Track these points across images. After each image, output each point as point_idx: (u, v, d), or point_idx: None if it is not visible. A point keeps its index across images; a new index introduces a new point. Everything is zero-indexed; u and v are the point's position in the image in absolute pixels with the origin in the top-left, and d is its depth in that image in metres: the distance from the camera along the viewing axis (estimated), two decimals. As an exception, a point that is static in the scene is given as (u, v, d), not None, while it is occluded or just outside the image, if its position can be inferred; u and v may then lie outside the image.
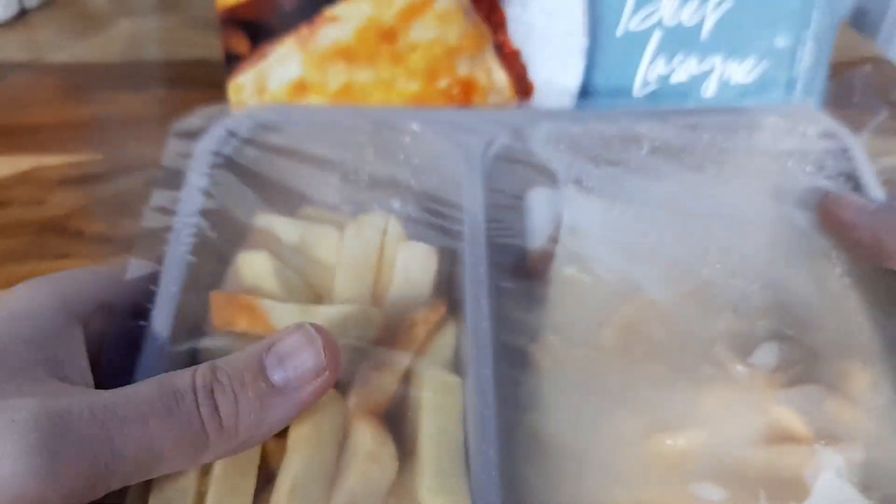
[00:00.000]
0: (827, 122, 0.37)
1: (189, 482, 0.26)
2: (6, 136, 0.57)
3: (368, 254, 0.33)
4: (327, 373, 0.25)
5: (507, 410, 0.29)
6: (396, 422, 0.29)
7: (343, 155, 0.38)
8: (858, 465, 0.27)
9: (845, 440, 0.27)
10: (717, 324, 0.32)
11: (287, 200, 0.37)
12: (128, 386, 0.23)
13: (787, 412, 0.28)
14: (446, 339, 0.31)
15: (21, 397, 0.21)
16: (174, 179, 0.35)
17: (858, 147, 0.35)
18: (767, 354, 0.30)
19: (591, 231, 0.35)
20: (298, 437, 0.27)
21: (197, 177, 0.35)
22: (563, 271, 0.35)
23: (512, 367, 0.32)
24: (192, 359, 0.30)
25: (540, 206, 0.38)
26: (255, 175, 0.36)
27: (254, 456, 0.27)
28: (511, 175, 0.38)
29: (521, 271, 0.37)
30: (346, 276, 0.33)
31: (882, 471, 0.27)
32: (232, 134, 0.36)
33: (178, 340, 0.29)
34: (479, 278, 0.32)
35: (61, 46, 0.57)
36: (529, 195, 0.39)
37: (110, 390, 0.23)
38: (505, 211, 0.37)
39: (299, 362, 0.24)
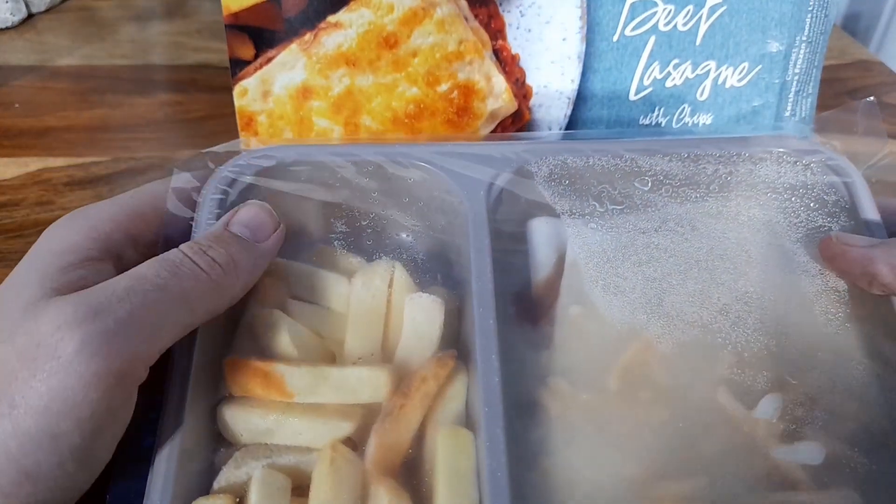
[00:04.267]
0: (829, 154, 0.37)
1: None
2: (15, 139, 0.58)
3: (377, 306, 0.34)
4: (282, 226, 0.33)
5: (518, 464, 0.30)
6: (412, 476, 0.30)
7: (347, 196, 0.38)
8: None
9: (842, 487, 0.29)
10: (719, 368, 0.33)
11: (295, 244, 0.37)
12: (129, 271, 0.28)
13: (787, 463, 0.29)
14: (457, 392, 0.32)
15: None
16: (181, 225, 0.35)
17: (861, 182, 0.36)
18: (770, 405, 0.31)
19: (592, 267, 0.35)
20: (321, 495, 0.28)
21: (203, 226, 0.35)
22: (568, 311, 0.36)
23: (521, 416, 0.33)
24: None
25: (542, 235, 0.39)
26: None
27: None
28: (515, 207, 0.38)
29: (526, 304, 0.37)
30: (357, 331, 0.33)
31: None
32: (233, 180, 0.36)
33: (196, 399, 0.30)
34: (487, 331, 0.32)
35: (69, 50, 0.57)
36: (532, 225, 0.39)
37: (120, 275, 0.27)
38: (508, 241, 0.38)
39: (258, 221, 0.32)
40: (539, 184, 0.37)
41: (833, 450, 0.30)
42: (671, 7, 0.44)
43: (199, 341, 0.31)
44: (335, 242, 0.38)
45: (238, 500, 0.29)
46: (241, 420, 0.31)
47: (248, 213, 0.33)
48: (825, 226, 0.36)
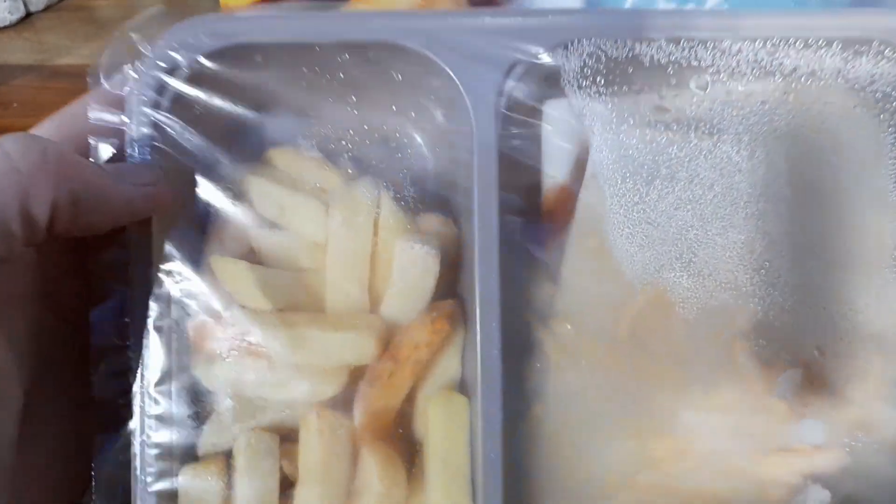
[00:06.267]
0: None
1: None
2: (13, 140, 0.53)
3: (361, 248, 0.29)
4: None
5: (511, 419, 0.29)
6: (404, 437, 0.30)
7: (317, 90, 0.30)
8: (841, 496, 0.29)
9: (830, 482, 0.29)
10: (741, 326, 0.30)
11: (250, 145, 0.30)
12: None
13: (782, 450, 0.29)
14: (452, 362, 0.29)
15: None
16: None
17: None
18: (788, 383, 0.29)
19: (616, 196, 0.30)
20: (309, 464, 0.28)
21: (136, 126, 0.28)
22: (582, 243, 0.31)
23: (518, 360, 0.31)
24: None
25: (560, 126, 0.32)
26: (206, 115, 0.29)
27: (273, 494, 0.28)
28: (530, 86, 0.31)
29: (535, 218, 0.32)
30: (339, 280, 0.29)
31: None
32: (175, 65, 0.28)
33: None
34: (490, 296, 0.28)
35: (68, 50, 0.55)
36: (547, 110, 0.32)
37: None
38: (519, 127, 0.31)
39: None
40: (567, 83, 0.29)
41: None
42: None
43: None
44: (301, 142, 0.31)
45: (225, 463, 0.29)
46: (218, 379, 0.29)
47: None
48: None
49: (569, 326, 0.31)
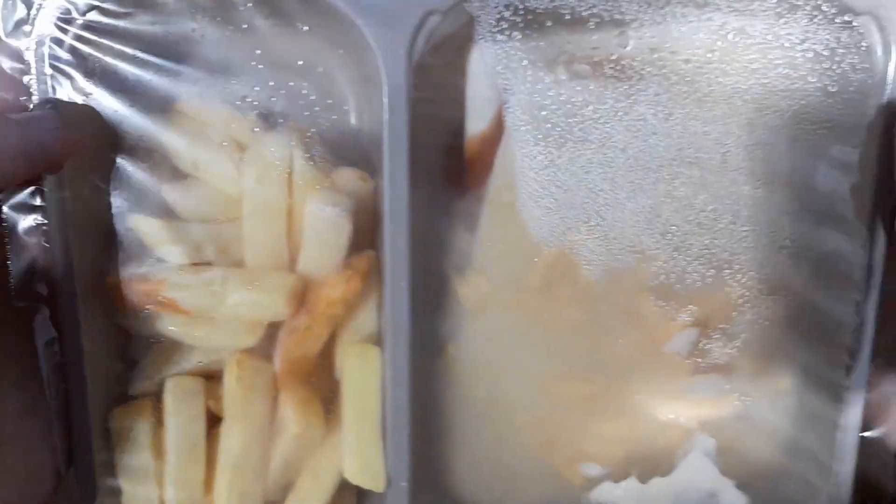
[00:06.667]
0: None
1: (148, 460, 0.30)
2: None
3: (276, 205, 0.29)
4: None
5: (424, 355, 0.31)
6: (323, 381, 0.32)
7: (221, 43, 0.28)
8: (725, 450, 0.31)
9: (722, 428, 0.31)
10: (644, 280, 0.31)
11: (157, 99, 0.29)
12: None
13: (680, 397, 0.31)
14: (367, 317, 0.30)
15: None
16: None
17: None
18: (685, 340, 0.30)
19: (529, 155, 0.30)
20: (231, 407, 0.31)
21: (37, 77, 0.28)
22: (500, 196, 0.31)
23: (433, 304, 0.32)
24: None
25: (483, 72, 0.31)
26: (107, 68, 0.28)
27: (200, 432, 0.31)
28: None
29: (457, 164, 0.32)
30: (255, 234, 0.30)
31: (743, 458, 0.31)
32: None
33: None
34: (399, 253, 0.29)
35: None
36: (473, 56, 0.30)
37: None
38: (436, 78, 0.30)
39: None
40: (482, 37, 0.28)
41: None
42: None
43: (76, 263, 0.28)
44: (209, 96, 0.30)
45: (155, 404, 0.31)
46: (140, 326, 0.30)
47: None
48: (835, 119, 0.28)
49: (483, 275, 0.32)
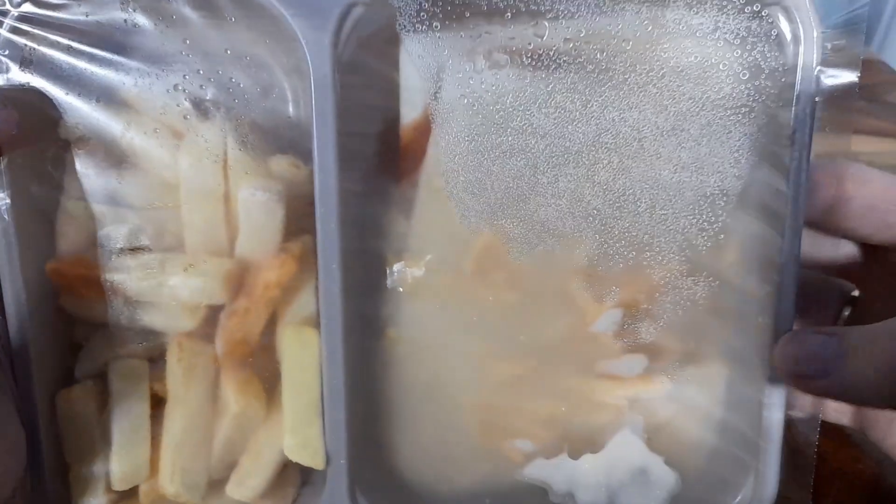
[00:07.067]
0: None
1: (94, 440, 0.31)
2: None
3: (212, 191, 0.30)
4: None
5: (363, 337, 0.32)
6: (265, 363, 0.33)
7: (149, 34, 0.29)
8: (655, 428, 0.32)
9: (651, 407, 0.32)
10: (576, 264, 0.32)
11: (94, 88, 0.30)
12: None
13: (609, 376, 0.32)
14: (305, 300, 0.31)
15: None
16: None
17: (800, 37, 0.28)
18: (610, 321, 0.31)
19: (453, 144, 0.31)
20: (174, 388, 0.32)
21: None
22: (430, 183, 0.32)
23: (372, 290, 0.33)
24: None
25: (415, 59, 0.32)
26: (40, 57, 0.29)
27: (144, 413, 0.32)
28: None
29: (391, 152, 0.33)
30: (194, 220, 0.31)
31: (671, 432, 0.32)
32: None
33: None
34: (330, 239, 0.30)
35: None
36: (404, 44, 0.31)
37: None
38: (370, 64, 0.31)
39: None
40: (405, 28, 0.29)
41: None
42: None
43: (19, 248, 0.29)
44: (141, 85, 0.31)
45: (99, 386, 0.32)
46: (83, 310, 0.31)
47: None
48: (749, 105, 0.29)
49: (419, 259, 0.33)
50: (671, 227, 0.30)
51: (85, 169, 0.31)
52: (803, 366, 0.27)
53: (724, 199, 0.30)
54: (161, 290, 0.30)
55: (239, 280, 0.31)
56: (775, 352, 0.28)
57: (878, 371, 0.24)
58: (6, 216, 0.30)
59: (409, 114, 0.32)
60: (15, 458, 0.29)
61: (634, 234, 0.30)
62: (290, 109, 0.31)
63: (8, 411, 0.29)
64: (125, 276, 0.30)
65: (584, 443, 0.33)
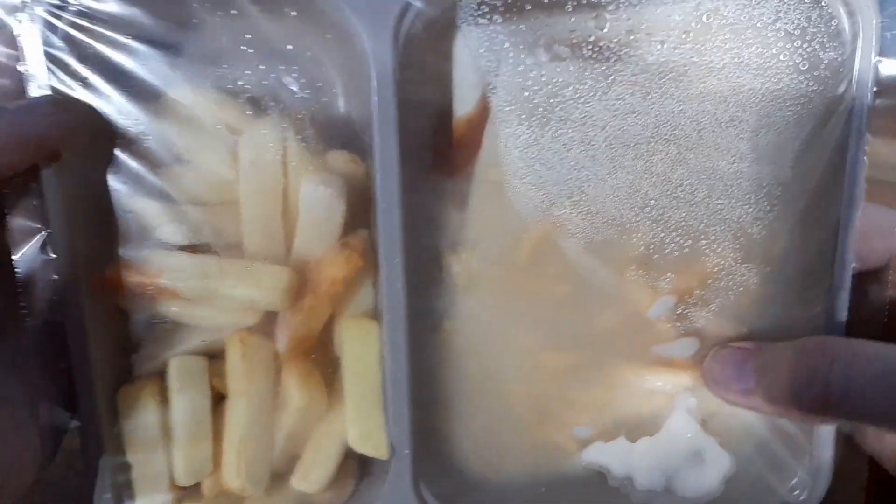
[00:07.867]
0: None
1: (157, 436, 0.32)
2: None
3: (272, 187, 0.30)
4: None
5: (421, 332, 0.32)
6: (325, 357, 0.33)
7: (212, 29, 0.29)
8: (708, 410, 0.33)
9: (704, 393, 0.32)
10: (630, 253, 0.32)
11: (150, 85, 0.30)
12: None
13: (664, 362, 0.32)
14: (365, 294, 0.32)
15: None
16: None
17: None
18: (663, 307, 0.32)
19: (513, 135, 0.31)
20: (235, 384, 0.32)
21: (31, 65, 0.28)
22: (485, 175, 0.32)
23: (428, 282, 0.33)
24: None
25: (469, 56, 0.32)
26: (100, 54, 0.29)
27: (205, 409, 0.32)
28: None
29: (445, 147, 0.33)
30: (253, 216, 0.31)
31: (724, 417, 0.33)
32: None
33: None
34: (392, 235, 0.30)
35: None
36: (458, 41, 0.32)
37: None
38: (425, 58, 0.31)
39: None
40: (465, 21, 0.29)
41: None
42: None
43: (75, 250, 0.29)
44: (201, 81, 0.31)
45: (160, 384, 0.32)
46: (141, 309, 0.32)
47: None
48: (808, 96, 0.29)
49: (474, 252, 0.33)
50: (727, 217, 0.31)
51: (141, 168, 0.30)
52: (721, 379, 0.31)
53: (780, 188, 0.30)
54: (219, 293, 0.30)
55: (297, 290, 0.31)
56: (703, 363, 0.31)
57: (786, 386, 0.27)
58: (63, 218, 0.29)
59: (463, 107, 0.32)
60: (24, 468, 0.28)
61: (690, 223, 0.31)
62: (341, 104, 0.31)
63: (17, 423, 0.28)
64: (183, 275, 0.30)
65: (640, 427, 0.33)
